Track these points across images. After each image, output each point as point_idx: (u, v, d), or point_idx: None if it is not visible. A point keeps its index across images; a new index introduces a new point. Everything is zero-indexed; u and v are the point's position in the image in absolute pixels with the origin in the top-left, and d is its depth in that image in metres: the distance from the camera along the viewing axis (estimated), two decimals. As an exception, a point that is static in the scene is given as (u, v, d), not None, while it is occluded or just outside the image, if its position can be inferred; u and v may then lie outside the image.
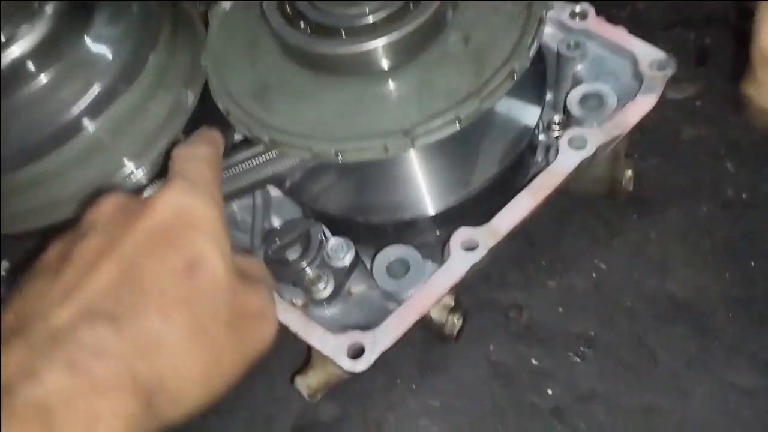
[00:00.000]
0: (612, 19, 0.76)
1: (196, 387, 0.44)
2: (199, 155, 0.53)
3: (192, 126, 0.71)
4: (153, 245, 0.45)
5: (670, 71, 0.71)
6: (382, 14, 0.61)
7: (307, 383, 0.68)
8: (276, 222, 0.81)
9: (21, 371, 0.38)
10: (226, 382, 0.48)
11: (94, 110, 0.65)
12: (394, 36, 0.60)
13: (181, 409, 0.44)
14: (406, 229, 0.75)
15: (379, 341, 0.63)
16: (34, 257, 0.49)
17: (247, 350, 0.49)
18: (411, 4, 0.61)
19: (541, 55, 0.75)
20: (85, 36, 0.66)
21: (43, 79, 0.64)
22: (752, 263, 0.79)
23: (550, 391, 0.74)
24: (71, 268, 0.44)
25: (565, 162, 0.68)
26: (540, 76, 0.74)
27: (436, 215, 0.71)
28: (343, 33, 0.61)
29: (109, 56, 0.66)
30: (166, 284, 0.44)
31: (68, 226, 0.51)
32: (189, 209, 0.47)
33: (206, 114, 0.70)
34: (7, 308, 0.44)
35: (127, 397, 0.40)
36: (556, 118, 0.76)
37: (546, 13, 0.63)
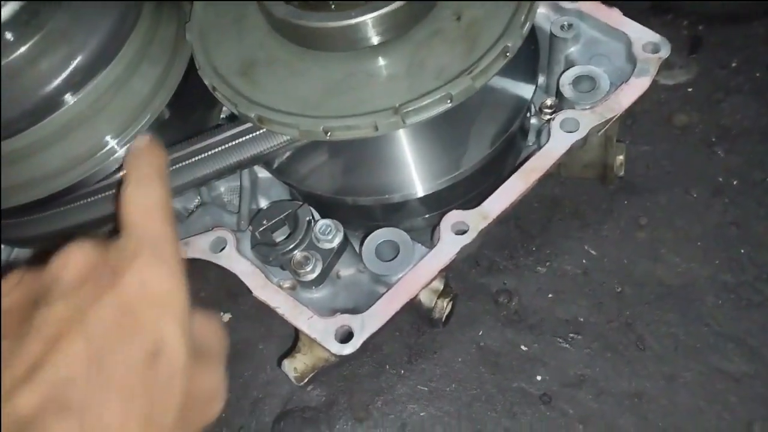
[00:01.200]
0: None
1: None
2: (151, 204, 0.52)
3: (176, 101, 0.69)
4: (119, 327, 0.45)
5: (664, 54, 0.70)
6: (372, -12, 0.60)
7: (294, 366, 0.66)
8: (264, 203, 0.79)
9: None
10: None
11: (75, 84, 0.63)
12: (385, 9, 0.58)
13: None
14: (396, 211, 0.74)
15: (367, 325, 0.61)
16: None
17: (194, 429, 0.50)
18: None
19: (533, 35, 0.74)
20: (66, 6, 0.64)
21: (23, 50, 0.62)
22: (741, 250, 0.79)
23: (539, 377, 0.73)
24: (35, 338, 0.43)
25: (557, 144, 0.67)
26: (533, 56, 0.72)
27: (426, 197, 0.70)
28: (332, 5, 0.59)
29: (91, 28, 0.64)
30: (130, 374, 0.44)
31: (32, 262, 0.50)
32: (156, 286, 0.47)
33: (192, 89, 0.68)
34: None
35: None
36: (548, 101, 0.74)
37: (540, -9, 0.62)
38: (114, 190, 0.67)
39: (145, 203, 0.52)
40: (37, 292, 0.47)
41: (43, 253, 0.50)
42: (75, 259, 0.48)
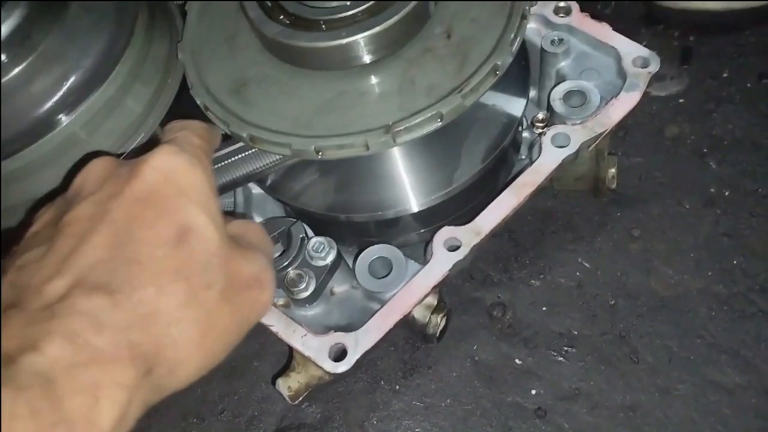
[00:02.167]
0: (595, 16, 0.76)
1: (192, 356, 0.45)
2: (189, 125, 0.54)
3: (169, 119, 0.69)
4: (143, 213, 0.45)
5: (653, 68, 0.70)
6: (362, 6, 0.60)
7: (288, 385, 0.66)
8: (258, 220, 0.80)
9: (21, 343, 0.38)
10: (223, 349, 0.48)
11: (69, 104, 0.63)
12: (375, 29, 0.59)
13: (179, 378, 0.44)
14: (389, 227, 0.74)
15: (361, 342, 0.62)
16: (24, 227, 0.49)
17: (243, 318, 0.49)
18: (393, -4, 0.60)
19: (524, 50, 0.74)
20: (60, 27, 0.64)
21: (17, 71, 0.62)
22: (734, 260, 0.80)
23: (533, 391, 0.73)
24: (63, 237, 0.44)
25: (548, 160, 0.68)
26: (523, 72, 0.73)
27: (419, 213, 0.70)
28: (323, 26, 0.60)
29: (84, 48, 0.64)
30: (159, 253, 0.44)
31: (57, 193, 0.51)
32: (176, 174, 0.47)
33: (184, 107, 0.68)
34: (2, 280, 0.43)
35: (126, 367, 0.40)
36: (540, 115, 0.75)
37: (529, 8, 0.62)
38: None
39: (183, 124, 0.54)
40: (65, 206, 0.48)
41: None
42: (94, 168, 0.49)
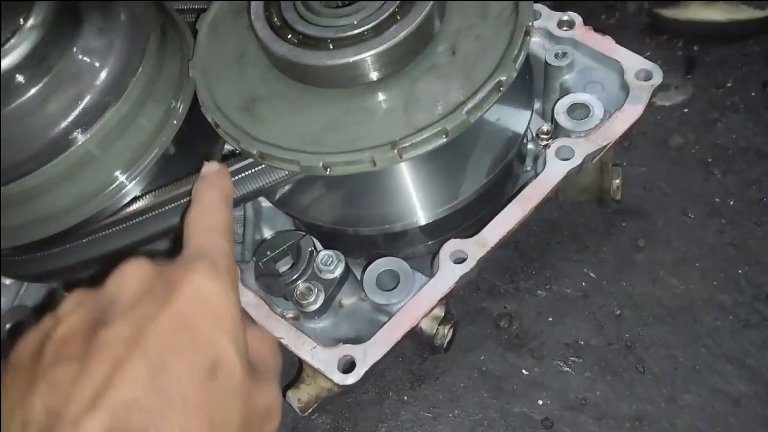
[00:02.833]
0: (600, 26, 0.77)
1: None
2: (214, 225, 0.54)
3: (181, 136, 0.71)
4: (178, 343, 0.46)
5: (656, 81, 0.71)
6: (369, 25, 0.61)
7: (298, 397, 0.68)
8: (268, 233, 0.81)
9: None
10: None
11: (84, 123, 0.65)
12: (381, 47, 0.60)
13: None
14: (397, 240, 0.75)
15: (369, 354, 0.63)
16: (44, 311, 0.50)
17: None
18: (398, 15, 0.61)
19: (528, 64, 0.75)
20: (74, 48, 0.66)
21: (33, 92, 0.63)
22: (739, 270, 0.80)
23: (540, 401, 0.74)
24: (98, 360, 0.45)
25: (553, 172, 0.68)
26: (528, 86, 0.74)
27: (426, 225, 0.71)
28: (330, 44, 0.61)
29: (98, 68, 0.66)
30: (189, 391, 0.45)
31: (83, 283, 0.52)
32: (212, 300, 0.49)
33: (196, 124, 0.70)
34: (33, 395, 0.44)
35: None
36: (545, 127, 0.76)
37: (533, 24, 0.63)
38: (130, 222, 0.69)
39: (208, 223, 0.55)
40: (96, 312, 0.48)
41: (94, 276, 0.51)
42: (131, 277, 0.49)
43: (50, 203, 0.66)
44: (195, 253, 0.51)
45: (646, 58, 0.99)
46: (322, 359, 0.63)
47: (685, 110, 0.95)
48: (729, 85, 0.96)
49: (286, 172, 0.64)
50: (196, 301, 0.48)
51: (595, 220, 0.86)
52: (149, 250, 0.71)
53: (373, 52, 0.60)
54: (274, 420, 0.53)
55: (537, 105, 0.84)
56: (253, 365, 0.51)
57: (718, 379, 0.73)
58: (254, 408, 0.49)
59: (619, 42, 0.93)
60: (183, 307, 0.47)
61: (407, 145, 0.59)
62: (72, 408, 0.43)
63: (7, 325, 0.75)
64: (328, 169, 0.60)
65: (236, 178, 0.66)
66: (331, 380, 0.63)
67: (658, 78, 0.71)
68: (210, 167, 0.60)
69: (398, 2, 0.62)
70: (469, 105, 0.59)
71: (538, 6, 0.78)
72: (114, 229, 0.68)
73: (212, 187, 0.58)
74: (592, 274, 0.82)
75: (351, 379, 0.62)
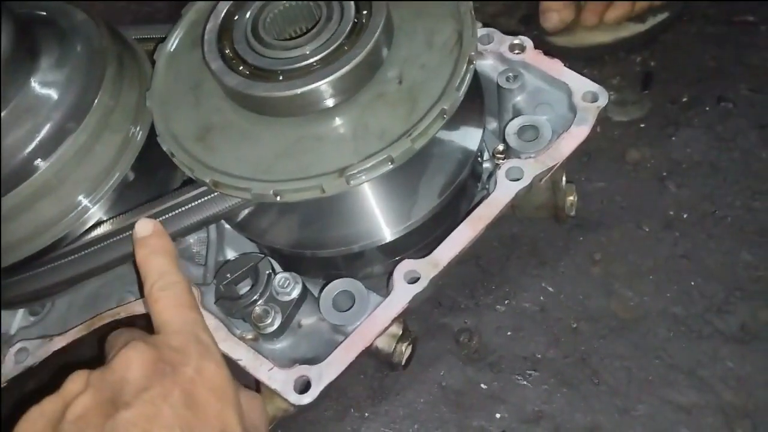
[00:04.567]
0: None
1: None
2: (179, 299, 0.59)
3: (140, 163, 0.72)
4: (191, 417, 0.51)
5: (602, 102, 0.73)
6: (318, 56, 0.63)
7: (256, 417, 0.69)
8: (231, 255, 0.82)
9: None
10: None
11: (41, 154, 0.66)
12: (330, 77, 0.62)
13: None
14: (354, 260, 0.77)
15: (325, 374, 0.64)
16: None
17: None
18: (346, 46, 0.63)
19: (479, 86, 0.77)
20: (31, 80, 0.68)
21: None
22: (692, 282, 0.82)
23: (498, 415, 0.76)
24: None
25: (503, 193, 0.70)
26: (479, 107, 0.76)
27: (383, 246, 0.73)
28: (280, 76, 0.63)
29: (56, 100, 0.67)
30: None
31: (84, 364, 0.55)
32: (213, 378, 0.54)
33: (155, 150, 0.71)
34: None
35: None
36: (500, 147, 0.78)
37: (475, 53, 0.65)
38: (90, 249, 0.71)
39: (172, 300, 0.59)
40: (108, 393, 0.52)
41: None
42: (136, 359, 0.53)
43: (10, 232, 0.68)
44: (179, 338, 0.56)
45: (604, 74, 1.04)
46: (279, 380, 0.65)
47: (642, 125, 0.97)
48: (684, 100, 0.99)
49: (240, 199, 0.66)
50: (199, 380, 0.53)
51: (554, 234, 0.88)
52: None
53: (321, 82, 0.62)
54: None
55: (494, 125, 0.86)
56: (247, 429, 0.57)
57: (671, 390, 0.75)
58: None
59: (577, 57, 0.96)
60: (189, 387, 0.52)
61: (355, 172, 0.61)
62: None
63: None
64: (279, 197, 0.62)
65: (192, 205, 0.68)
66: (287, 401, 0.64)
67: (604, 99, 0.74)
68: (144, 228, 0.63)
69: (347, 32, 0.64)
70: (414, 133, 0.61)
71: (490, 30, 0.80)
72: (74, 256, 0.70)
73: (155, 252, 0.62)
74: (550, 288, 0.84)
75: (306, 399, 0.64)
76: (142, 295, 0.62)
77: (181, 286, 0.60)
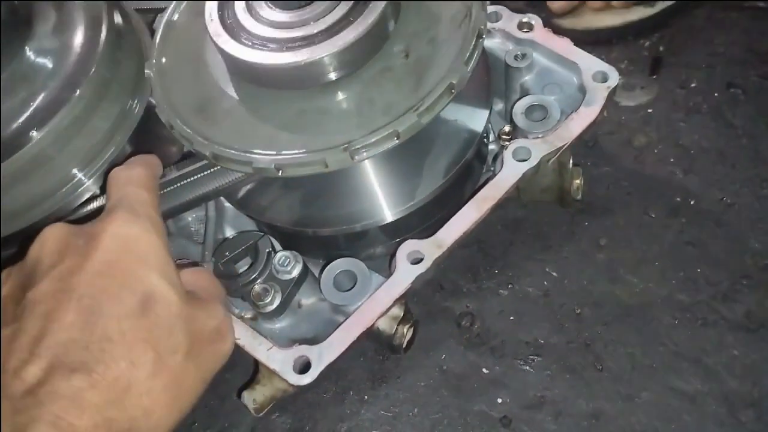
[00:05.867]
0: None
1: (163, 419, 0.47)
2: (136, 178, 0.55)
3: (138, 136, 0.70)
4: (106, 286, 0.47)
5: (612, 82, 0.72)
6: (322, 27, 0.61)
7: (253, 398, 0.68)
8: (230, 233, 0.81)
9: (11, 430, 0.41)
10: (191, 403, 0.51)
11: (36, 123, 0.64)
12: (335, 49, 0.60)
13: None
14: (356, 240, 0.76)
15: (325, 355, 0.63)
16: None
17: (207, 371, 0.52)
18: (351, 17, 0.61)
19: (487, 65, 0.75)
20: (26, 48, 0.66)
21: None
22: (698, 269, 0.81)
23: (499, 400, 0.75)
24: (30, 317, 0.46)
25: (509, 173, 0.69)
26: (486, 86, 0.74)
27: (385, 226, 0.72)
28: (284, 45, 0.61)
29: (51, 68, 0.66)
30: (126, 326, 0.46)
31: (11, 260, 0.52)
32: (134, 242, 0.50)
33: (153, 124, 0.70)
34: None
35: None
36: (506, 128, 0.76)
37: (485, 27, 0.64)
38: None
39: (127, 177, 0.56)
40: (23, 279, 0.50)
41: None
42: (50, 238, 0.50)
43: (5, 204, 0.66)
44: (112, 206, 0.52)
45: (612, 58, 1.02)
46: (278, 360, 0.63)
47: (650, 110, 0.95)
48: (693, 85, 0.97)
49: (240, 174, 0.64)
50: (117, 246, 0.49)
51: (559, 219, 0.87)
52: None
53: (326, 53, 0.60)
54: (226, 339, 0.55)
55: (500, 106, 0.84)
56: (194, 293, 0.53)
57: (675, 377, 0.74)
58: (201, 331, 0.51)
59: (584, 41, 0.94)
60: (105, 254, 0.48)
61: (359, 146, 0.59)
62: (12, 362, 0.44)
63: None
64: (280, 171, 0.60)
65: (191, 179, 0.66)
66: (286, 381, 0.63)
67: (614, 80, 0.72)
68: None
69: (352, 3, 0.62)
70: (421, 107, 0.60)
71: (498, 8, 0.78)
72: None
73: (136, 158, 0.60)
74: (553, 273, 0.83)
75: (306, 379, 0.62)
76: None
77: (144, 171, 0.57)
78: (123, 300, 0.47)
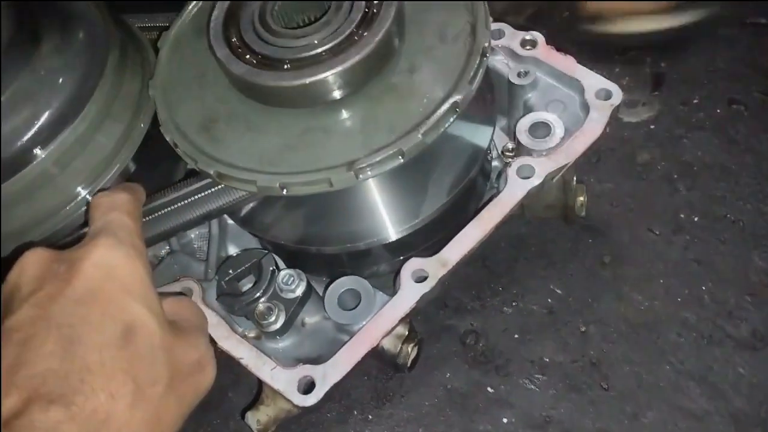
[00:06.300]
0: (570, 42, 0.77)
1: None
2: (119, 203, 0.54)
3: (141, 154, 0.70)
4: (87, 314, 0.46)
5: (616, 100, 0.72)
6: (327, 46, 0.61)
7: (257, 418, 0.67)
8: (233, 251, 0.80)
9: None
10: None
11: (40, 142, 0.64)
12: (339, 68, 0.60)
13: None
14: (360, 258, 0.75)
15: (329, 375, 0.62)
16: None
17: (187, 404, 0.51)
18: (356, 36, 0.61)
19: (490, 82, 0.76)
20: (31, 68, 0.66)
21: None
22: (703, 286, 0.81)
23: (505, 419, 0.74)
24: (8, 345, 0.44)
25: (514, 191, 0.69)
26: (490, 104, 0.74)
27: (390, 244, 0.71)
28: (288, 65, 0.61)
29: (56, 87, 0.65)
30: (107, 356, 0.45)
31: None
32: (116, 269, 0.48)
33: (156, 143, 0.69)
34: None
35: None
36: (510, 145, 0.76)
37: (489, 45, 0.64)
38: None
39: (109, 203, 0.54)
40: (1, 305, 0.48)
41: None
42: (29, 264, 0.49)
43: (7, 222, 0.66)
44: (95, 232, 0.51)
45: (614, 74, 1.02)
46: (282, 380, 0.63)
47: (652, 127, 0.96)
48: (695, 101, 0.97)
49: (244, 192, 0.64)
50: (99, 273, 0.47)
51: (563, 236, 0.86)
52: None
53: (330, 72, 0.60)
54: (207, 371, 0.53)
55: (503, 123, 0.84)
56: (176, 323, 0.52)
57: (681, 396, 0.74)
58: (182, 362, 0.49)
59: (587, 58, 0.94)
60: (86, 282, 0.47)
61: (364, 165, 0.59)
62: None
63: None
64: (285, 190, 0.60)
65: (195, 197, 0.66)
66: (290, 401, 0.62)
67: (617, 97, 0.72)
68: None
69: (356, 23, 0.62)
70: (425, 126, 0.60)
71: (501, 25, 0.78)
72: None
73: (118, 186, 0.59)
74: (558, 291, 0.82)
75: (311, 400, 0.62)
76: None
77: (127, 197, 0.55)
78: (104, 329, 0.46)
